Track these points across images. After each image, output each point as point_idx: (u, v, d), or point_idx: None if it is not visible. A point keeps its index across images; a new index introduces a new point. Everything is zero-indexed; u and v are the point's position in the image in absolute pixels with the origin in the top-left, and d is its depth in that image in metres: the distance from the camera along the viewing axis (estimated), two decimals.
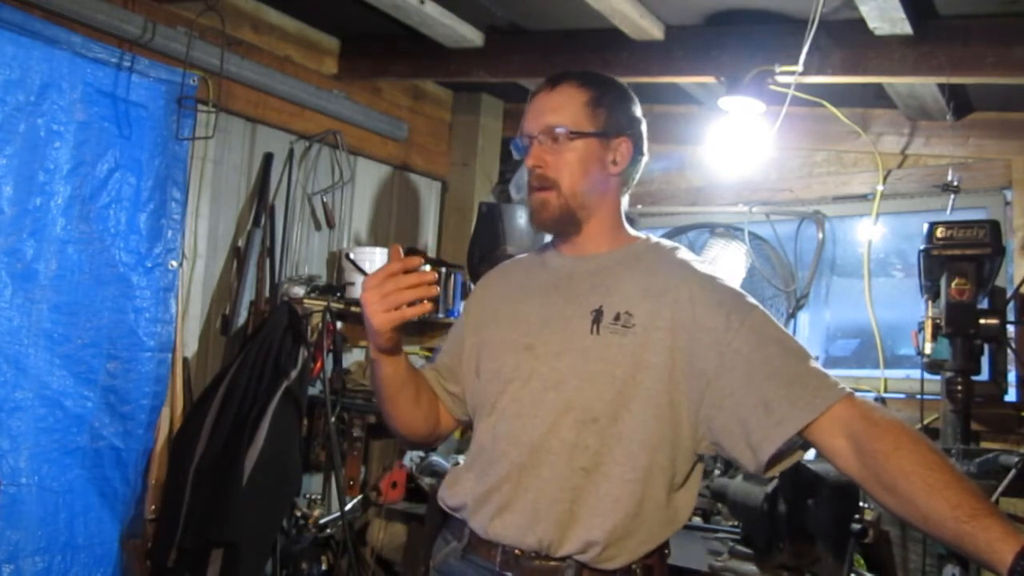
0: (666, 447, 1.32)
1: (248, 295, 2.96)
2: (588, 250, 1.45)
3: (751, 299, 1.37)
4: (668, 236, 3.51)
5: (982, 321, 2.40)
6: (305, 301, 3.00)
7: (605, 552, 1.30)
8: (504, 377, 1.40)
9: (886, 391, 3.09)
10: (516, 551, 1.34)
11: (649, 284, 1.38)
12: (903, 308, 3.04)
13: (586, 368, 1.34)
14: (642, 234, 1.50)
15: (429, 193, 3.86)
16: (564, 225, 1.44)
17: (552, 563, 1.32)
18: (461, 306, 3.27)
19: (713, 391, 1.30)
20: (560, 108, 1.41)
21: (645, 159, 1.50)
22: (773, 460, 1.26)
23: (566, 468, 1.32)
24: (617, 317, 1.35)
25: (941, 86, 2.75)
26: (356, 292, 3.17)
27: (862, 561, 2.26)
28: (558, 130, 1.40)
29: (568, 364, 1.35)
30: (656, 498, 1.32)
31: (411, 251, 3.62)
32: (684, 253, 1.46)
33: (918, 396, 2.71)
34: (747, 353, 1.29)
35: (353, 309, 3.21)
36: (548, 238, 1.55)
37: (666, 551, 1.41)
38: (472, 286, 1.59)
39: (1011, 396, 2.87)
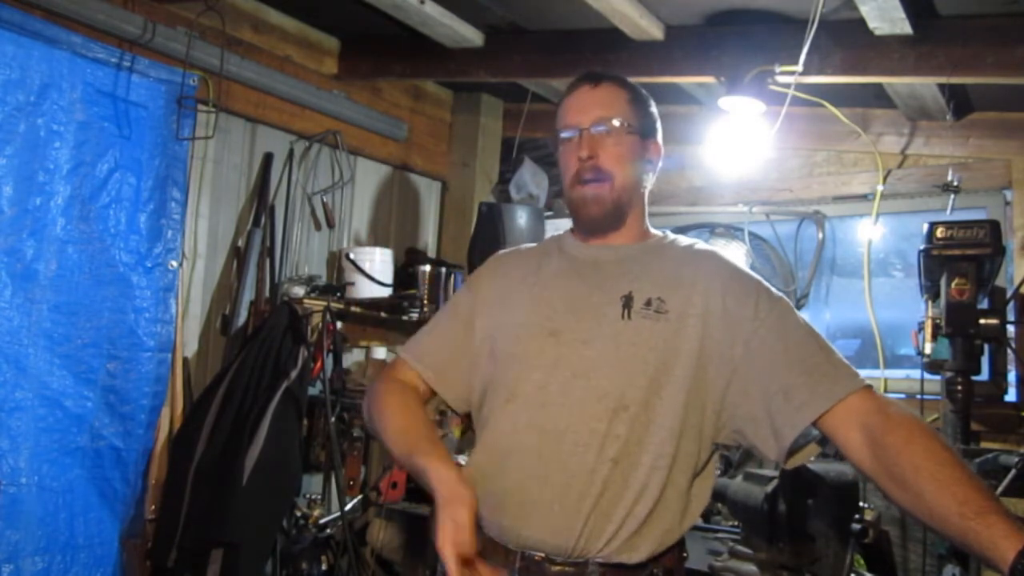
0: (691, 434, 1.33)
1: (248, 295, 2.95)
2: (615, 242, 1.45)
3: (776, 290, 1.40)
4: None
5: (982, 321, 2.40)
6: (305, 301, 2.99)
7: (629, 542, 1.30)
8: (526, 363, 1.36)
9: (886, 391, 3.08)
10: (537, 556, 1.31)
11: (680, 273, 1.39)
12: (903, 308, 3.03)
13: (616, 354, 1.33)
14: (658, 231, 1.52)
15: (429, 193, 3.86)
16: (612, 219, 1.43)
17: (574, 567, 1.30)
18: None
19: (739, 379, 1.32)
20: (609, 103, 1.42)
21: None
22: (792, 450, 1.29)
23: (596, 459, 1.30)
24: (649, 303, 1.35)
25: (941, 86, 2.75)
26: (356, 292, 3.17)
27: (862, 561, 2.25)
28: (614, 122, 1.40)
29: (598, 351, 1.34)
30: (678, 485, 1.33)
31: (411, 251, 3.63)
32: (704, 245, 1.49)
33: (918, 396, 2.71)
34: (772, 342, 1.32)
35: (353, 309, 3.21)
36: (549, 233, 1.54)
37: (684, 554, 1.42)
38: None
39: (1011, 396, 2.87)
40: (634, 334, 1.33)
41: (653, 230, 1.51)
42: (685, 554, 1.42)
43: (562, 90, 1.51)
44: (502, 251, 1.60)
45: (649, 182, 1.49)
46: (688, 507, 1.36)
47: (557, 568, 1.31)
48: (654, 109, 1.50)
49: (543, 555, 1.31)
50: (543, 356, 1.36)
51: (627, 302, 1.36)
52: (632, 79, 1.51)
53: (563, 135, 1.44)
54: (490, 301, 1.47)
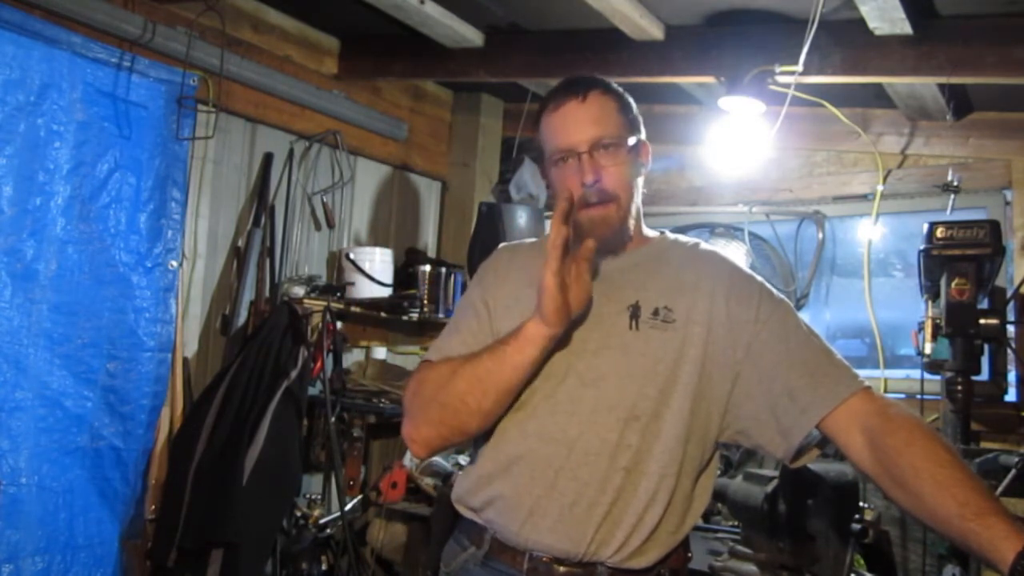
0: (697, 438, 1.34)
1: (248, 295, 2.95)
2: (617, 249, 1.44)
3: (778, 293, 1.41)
4: None
5: (982, 321, 2.40)
6: (305, 301, 3.00)
7: (639, 548, 1.30)
8: (539, 372, 1.34)
9: (886, 391, 3.08)
10: (545, 558, 1.31)
11: (683, 279, 1.39)
12: (903, 308, 3.04)
13: (627, 364, 1.33)
14: (657, 232, 1.51)
15: (429, 193, 3.86)
16: (619, 236, 1.41)
17: (582, 570, 1.30)
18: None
19: (742, 381, 1.33)
20: (601, 119, 1.37)
21: None
22: (798, 450, 1.30)
23: (608, 469, 1.29)
24: (656, 312, 1.35)
25: (941, 86, 2.75)
26: (356, 292, 3.18)
27: (862, 561, 2.26)
28: (612, 140, 1.36)
29: (607, 361, 1.33)
30: (684, 488, 1.34)
31: (411, 251, 3.63)
32: (706, 246, 1.48)
33: (918, 396, 2.71)
34: (774, 344, 1.32)
35: (353, 309, 3.21)
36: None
37: (689, 554, 1.42)
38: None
39: (1011, 396, 2.87)
40: (643, 344, 1.33)
41: (649, 231, 1.50)
42: (690, 554, 1.42)
43: None
44: (505, 245, 1.57)
45: (642, 183, 1.47)
46: (691, 507, 1.36)
47: (565, 569, 1.30)
48: (635, 106, 1.47)
49: (551, 556, 1.31)
50: (554, 365, 1.34)
51: (634, 312, 1.35)
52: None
53: (557, 158, 1.40)
54: (504, 304, 1.43)
